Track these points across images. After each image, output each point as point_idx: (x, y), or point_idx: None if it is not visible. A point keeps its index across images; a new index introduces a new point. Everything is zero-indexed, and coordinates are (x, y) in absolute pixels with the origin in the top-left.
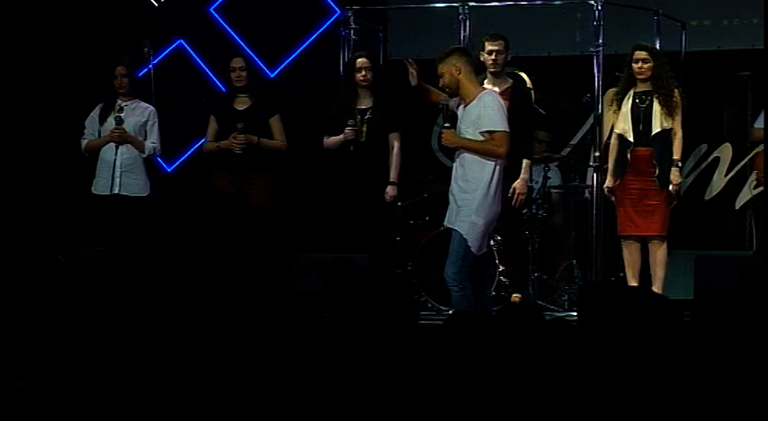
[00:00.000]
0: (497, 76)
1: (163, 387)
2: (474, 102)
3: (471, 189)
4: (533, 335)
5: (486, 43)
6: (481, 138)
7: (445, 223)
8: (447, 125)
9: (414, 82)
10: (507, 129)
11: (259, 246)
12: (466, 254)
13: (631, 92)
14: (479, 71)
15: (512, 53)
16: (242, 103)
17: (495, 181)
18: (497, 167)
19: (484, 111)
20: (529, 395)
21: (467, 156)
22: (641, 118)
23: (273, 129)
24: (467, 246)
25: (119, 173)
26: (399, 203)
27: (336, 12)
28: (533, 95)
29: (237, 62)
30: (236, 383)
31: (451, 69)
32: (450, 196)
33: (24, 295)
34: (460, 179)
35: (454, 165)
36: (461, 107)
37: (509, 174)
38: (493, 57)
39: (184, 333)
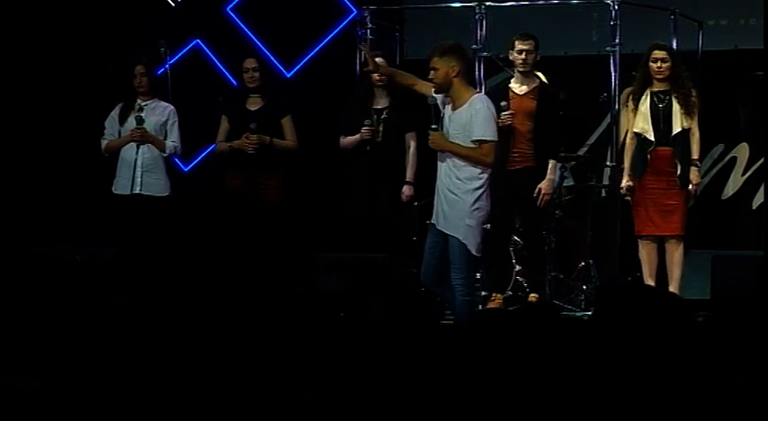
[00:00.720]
0: (525, 76)
1: (175, 384)
2: (464, 106)
3: (461, 190)
4: (550, 334)
5: (517, 42)
6: (471, 144)
7: (434, 222)
8: (434, 126)
9: (372, 67)
10: (496, 139)
11: (282, 246)
12: (469, 258)
13: (648, 91)
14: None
15: (541, 53)
16: (254, 104)
17: (485, 181)
18: (487, 170)
19: (474, 118)
20: (541, 394)
21: (456, 157)
22: (661, 117)
23: (285, 130)
24: (468, 251)
25: (140, 172)
26: (416, 203)
27: (353, 12)
28: (561, 96)
29: (250, 63)
30: (253, 381)
31: (448, 68)
32: (438, 196)
33: (39, 294)
34: (450, 179)
35: (441, 164)
36: (448, 107)
37: (536, 174)
38: (523, 56)
39: (197, 331)
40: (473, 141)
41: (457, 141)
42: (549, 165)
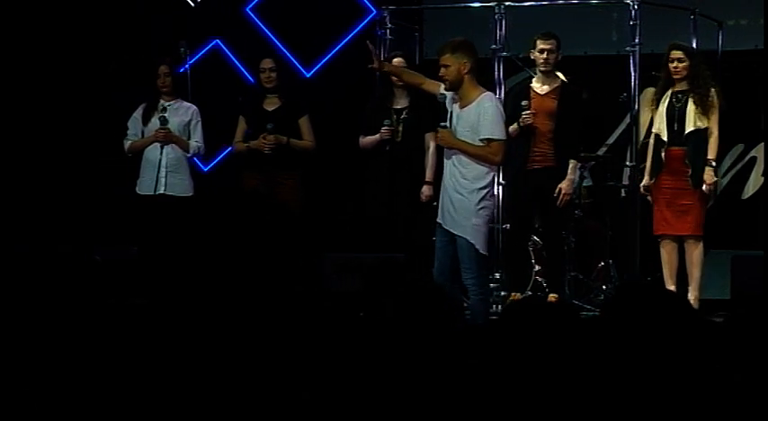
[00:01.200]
0: (547, 76)
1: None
2: (473, 104)
3: (466, 190)
4: (569, 334)
5: (539, 41)
6: (479, 143)
7: (440, 221)
8: (444, 124)
9: (377, 65)
10: (504, 138)
11: (288, 246)
12: (478, 257)
13: (669, 91)
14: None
15: (562, 53)
16: (271, 104)
17: (490, 181)
18: (493, 169)
19: (483, 117)
20: (554, 394)
21: (463, 156)
22: (676, 117)
23: (302, 130)
24: (476, 250)
25: (164, 173)
26: (435, 203)
27: (372, 11)
28: (584, 95)
29: (267, 63)
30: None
31: (459, 65)
32: (444, 194)
33: (60, 293)
34: (455, 178)
35: (447, 162)
36: (456, 105)
37: (556, 174)
38: (544, 55)
39: (213, 331)
40: (481, 140)
41: (464, 139)
42: (570, 165)
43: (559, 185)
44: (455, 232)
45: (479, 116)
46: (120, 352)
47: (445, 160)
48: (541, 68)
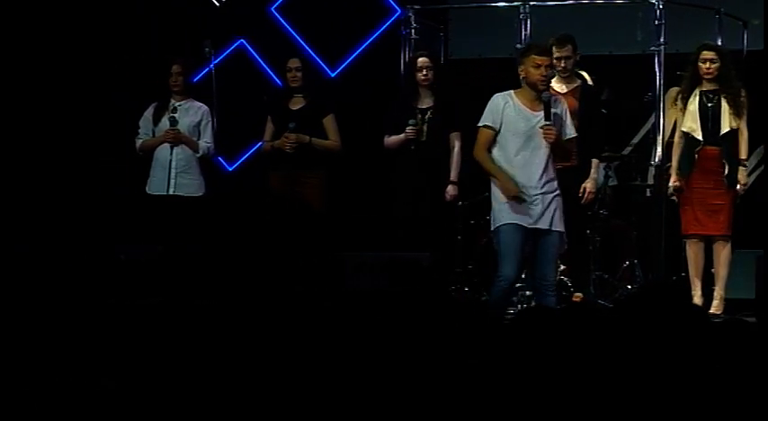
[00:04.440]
0: (566, 76)
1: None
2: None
3: (555, 188)
4: (597, 334)
5: (554, 49)
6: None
7: (536, 225)
8: (549, 122)
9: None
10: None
11: (306, 245)
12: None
13: (697, 90)
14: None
15: (580, 52)
16: (297, 103)
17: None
18: None
19: (565, 115)
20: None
21: (546, 154)
22: (709, 117)
23: (328, 129)
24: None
25: (174, 173)
26: (460, 203)
27: (397, 11)
28: (604, 95)
29: (294, 62)
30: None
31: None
32: (536, 196)
33: (82, 290)
34: (543, 179)
35: (530, 162)
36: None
37: (580, 173)
38: (562, 63)
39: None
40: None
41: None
42: (593, 165)
43: (583, 184)
44: (554, 228)
45: (563, 113)
46: (139, 351)
47: (529, 162)
48: (561, 75)
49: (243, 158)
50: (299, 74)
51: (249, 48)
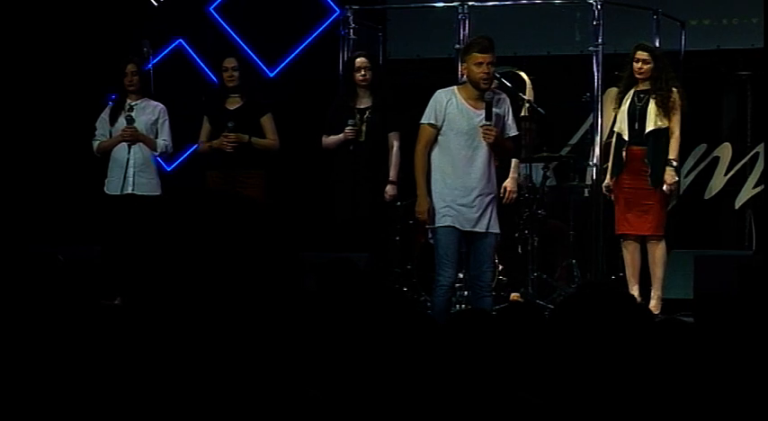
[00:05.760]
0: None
1: (165, 385)
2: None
3: (492, 189)
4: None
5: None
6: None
7: (473, 229)
8: (489, 123)
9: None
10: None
11: (270, 245)
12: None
13: (632, 91)
14: None
15: (523, 53)
16: (233, 103)
17: None
18: None
19: (509, 113)
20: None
21: (487, 154)
22: (636, 116)
23: (265, 129)
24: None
25: (132, 172)
26: (399, 203)
27: (336, 11)
28: (532, 94)
29: (230, 62)
30: (241, 381)
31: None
32: (474, 199)
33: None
34: (483, 180)
35: (471, 161)
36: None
37: (500, 173)
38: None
39: (189, 331)
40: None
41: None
42: (512, 164)
43: (504, 184)
44: (491, 230)
45: (506, 112)
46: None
47: (471, 162)
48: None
49: (181, 158)
50: (235, 73)
51: (187, 47)
